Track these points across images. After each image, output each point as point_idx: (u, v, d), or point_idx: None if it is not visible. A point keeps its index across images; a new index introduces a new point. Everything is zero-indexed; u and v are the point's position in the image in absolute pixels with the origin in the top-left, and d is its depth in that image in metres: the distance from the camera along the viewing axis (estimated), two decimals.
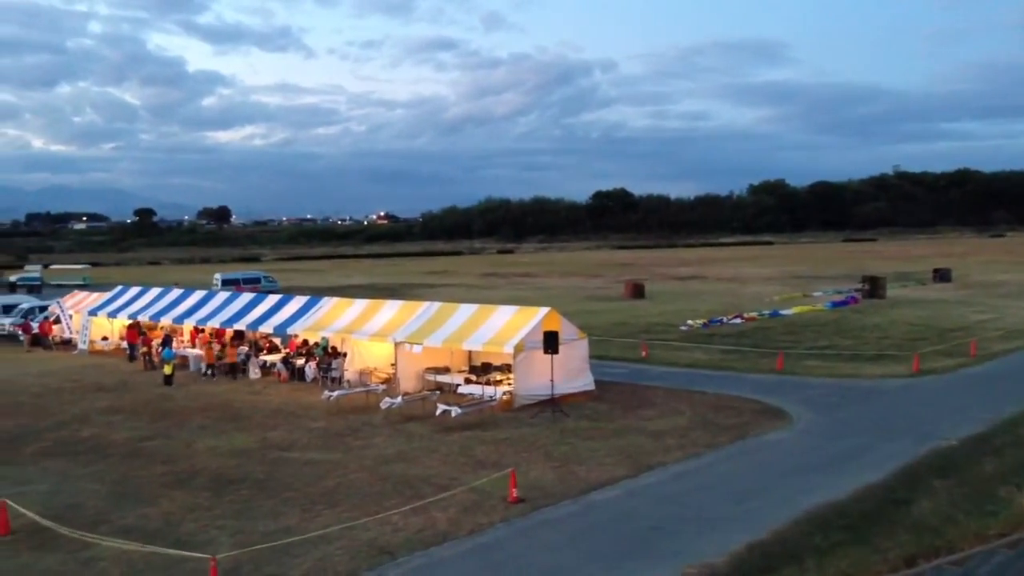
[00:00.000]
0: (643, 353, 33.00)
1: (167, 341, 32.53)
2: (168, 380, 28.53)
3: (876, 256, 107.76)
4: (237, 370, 30.27)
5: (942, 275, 65.21)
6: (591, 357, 26.52)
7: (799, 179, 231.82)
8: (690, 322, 41.90)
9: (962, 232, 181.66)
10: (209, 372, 30.29)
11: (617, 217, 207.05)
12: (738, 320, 42.75)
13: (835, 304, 49.82)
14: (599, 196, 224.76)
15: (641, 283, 62.71)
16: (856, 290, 54.61)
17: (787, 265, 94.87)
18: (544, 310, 25.40)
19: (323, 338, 29.22)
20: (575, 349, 25.30)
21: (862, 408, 23.60)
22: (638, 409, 23.67)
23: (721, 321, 42.42)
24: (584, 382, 25.46)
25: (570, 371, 24.81)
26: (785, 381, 27.37)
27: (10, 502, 15.03)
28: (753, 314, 44.44)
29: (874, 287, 53.73)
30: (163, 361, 29.48)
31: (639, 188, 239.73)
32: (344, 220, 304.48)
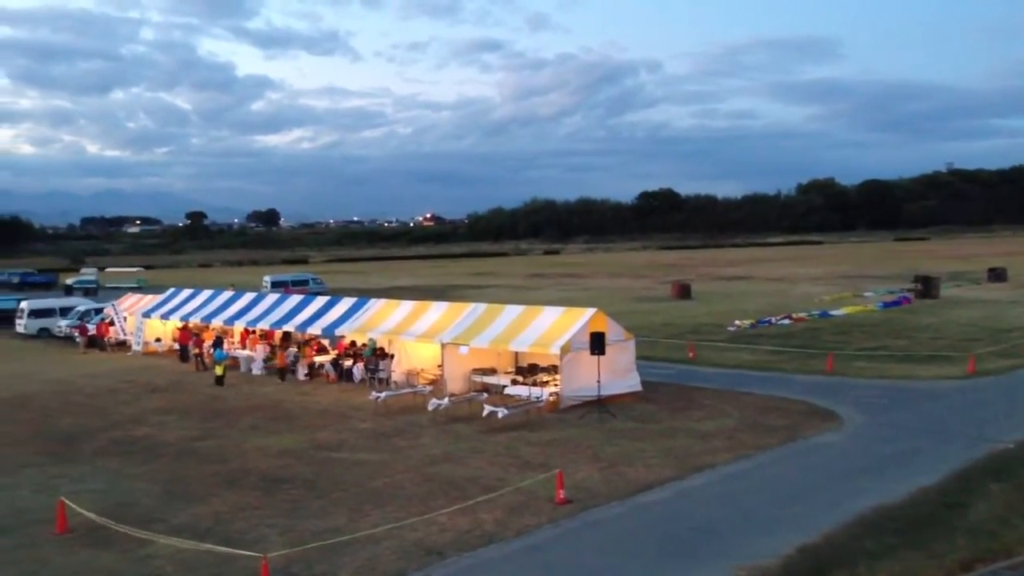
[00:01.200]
0: (690, 354, 32.77)
1: (218, 343, 33.05)
2: (220, 381, 28.96)
3: (928, 255, 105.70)
4: (286, 371, 30.64)
5: (997, 274, 63.75)
6: (638, 358, 26.39)
7: (848, 177, 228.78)
8: (737, 323, 41.50)
9: (1016, 230, 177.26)
10: (280, 376, 30.33)
11: (663, 217, 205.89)
12: (786, 321, 42.24)
13: (886, 304, 48.97)
14: (645, 196, 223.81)
15: (687, 284, 62.29)
16: (908, 290, 53.62)
17: (836, 265, 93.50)
18: (590, 311, 25.35)
19: (371, 339, 29.46)
20: (622, 350, 25.21)
21: (915, 410, 23.16)
22: (685, 410, 23.51)
23: (769, 322, 41.95)
24: (631, 383, 25.35)
25: (617, 372, 24.73)
26: (835, 382, 26.98)
27: (67, 501, 15.38)
28: (802, 315, 43.86)
29: (927, 287, 52.73)
30: (215, 362, 29.93)
31: (685, 188, 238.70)
32: (390, 222, 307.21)
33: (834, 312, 45.42)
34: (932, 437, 20.13)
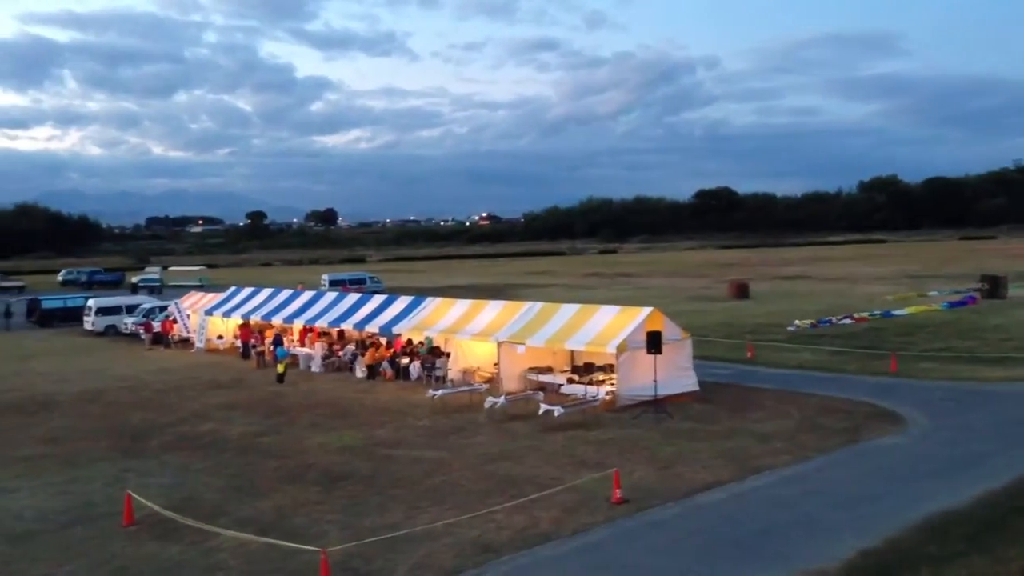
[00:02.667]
0: (748, 354, 32.41)
1: (278, 340, 33.62)
2: (281, 378, 29.43)
3: (996, 254, 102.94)
4: (345, 368, 31.04)
5: None
6: (695, 357, 26.19)
7: (913, 175, 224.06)
8: (797, 323, 40.93)
9: None
10: (365, 373, 30.50)
11: (721, 216, 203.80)
12: (848, 320, 41.55)
13: (952, 304, 47.84)
14: (702, 195, 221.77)
15: (746, 283, 61.62)
16: (975, 290, 52.31)
17: (900, 264, 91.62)
18: (647, 310, 25.22)
19: (427, 337, 29.69)
20: (679, 349, 25.05)
21: (982, 412, 22.59)
22: (744, 411, 23.27)
23: (830, 322, 41.30)
24: (688, 383, 25.17)
25: (673, 371, 24.57)
26: (899, 384, 26.46)
27: (134, 494, 15.80)
28: (864, 315, 43.10)
29: (994, 287, 51.40)
30: (276, 360, 30.42)
31: (743, 186, 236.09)
32: (447, 221, 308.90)
33: (897, 312, 44.55)
34: (1000, 440, 19.64)
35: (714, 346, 34.10)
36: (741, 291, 58.51)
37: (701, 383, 25.56)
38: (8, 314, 53.00)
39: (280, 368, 29.71)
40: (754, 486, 16.85)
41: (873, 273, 78.16)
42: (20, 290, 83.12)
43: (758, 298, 56.66)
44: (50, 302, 54.13)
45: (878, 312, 44.18)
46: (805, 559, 12.92)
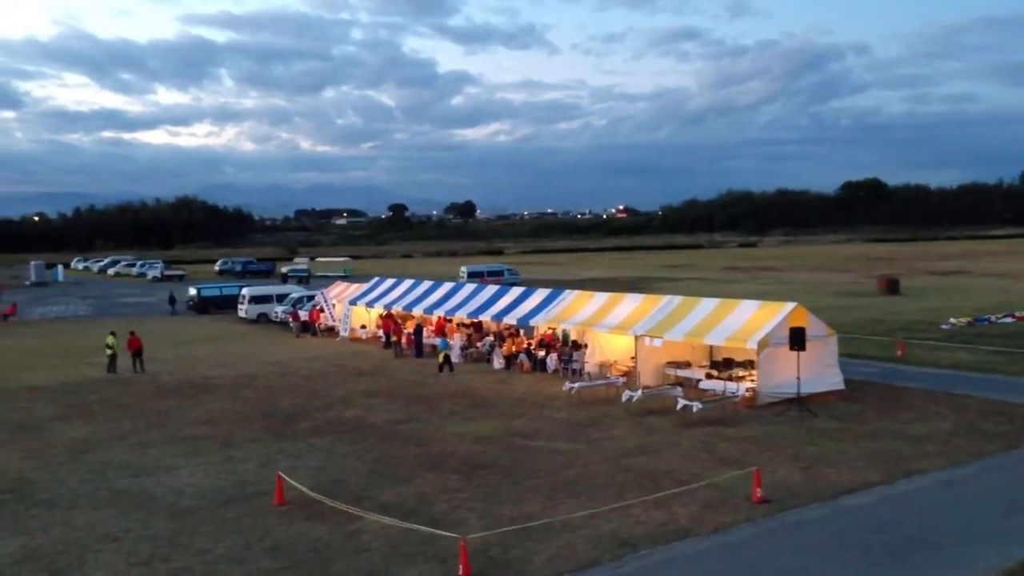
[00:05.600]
0: (899, 352, 31.05)
1: (418, 331, 34.44)
2: (442, 368, 30.07)
3: None
4: (483, 359, 31.50)
5: None
6: (841, 355, 25.33)
7: None
8: (952, 320, 38.95)
9: None
10: (502, 364, 30.86)
11: (869, 208, 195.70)
12: (1009, 319, 39.24)
13: None
14: (849, 187, 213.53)
15: (896, 278, 59.13)
16: None
17: None
18: (790, 305, 24.53)
19: (563, 331, 29.81)
20: (823, 346, 24.26)
21: None
22: (894, 411, 22.32)
23: (989, 320, 39.11)
24: (833, 381, 24.35)
25: (818, 369, 23.82)
26: None
27: (284, 475, 16.54)
28: None
29: None
30: (438, 350, 31.04)
31: (894, 177, 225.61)
32: (584, 214, 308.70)
33: None
34: None
35: (861, 343, 32.86)
36: (891, 286, 56.29)
37: (847, 381, 24.69)
38: (173, 300, 56.56)
39: (441, 358, 30.35)
40: (905, 490, 16.17)
41: None
42: (181, 279, 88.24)
43: (910, 294, 54.22)
44: (208, 290, 57.19)
45: None
46: (960, 568, 12.33)
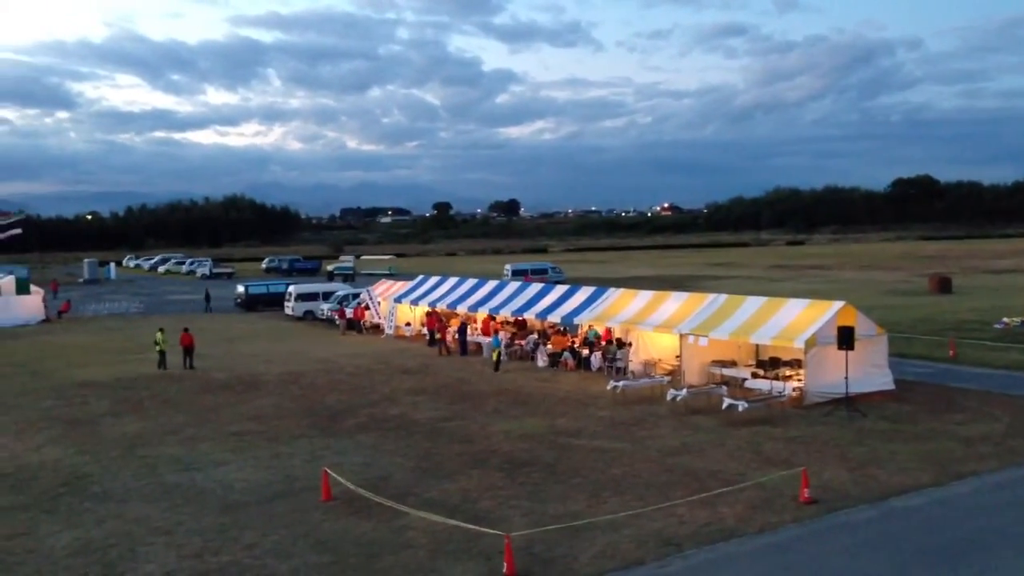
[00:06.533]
0: (951, 352, 30.46)
1: (463, 329, 34.54)
2: (497, 366, 30.17)
3: None
4: (527, 357, 31.51)
5: None
6: (891, 355, 24.94)
7: None
8: (1006, 320, 38.09)
9: None
10: (546, 362, 30.94)
11: (921, 206, 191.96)
12: None
13: None
14: (900, 184, 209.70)
15: (948, 277, 58.02)
16: None
17: None
18: (838, 304, 24.19)
19: (593, 330, 30.47)
20: (872, 345, 23.89)
21: None
22: (945, 412, 21.91)
23: None
24: (882, 381, 23.99)
25: (867, 369, 23.48)
26: None
27: (330, 471, 16.70)
28: None
29: None
30: (491, 348, 31.14)
31: (946, 174, 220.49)
32: (628, 212, 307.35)
33: None
34: None
35: (912, 343, 32.32)
36: (943, 285, 55.25)
37: (897, 382, 24.31)
38: (208, 298, 57.51)
39: (494, 356, 30.44)
40: (957, 492, 15.86)
41: None
42: (230, 276, 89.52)
43: (962, 293, 53.16)
44: (255, 288, 57.94)
45: None
46: (1013, 574, 12.03)
